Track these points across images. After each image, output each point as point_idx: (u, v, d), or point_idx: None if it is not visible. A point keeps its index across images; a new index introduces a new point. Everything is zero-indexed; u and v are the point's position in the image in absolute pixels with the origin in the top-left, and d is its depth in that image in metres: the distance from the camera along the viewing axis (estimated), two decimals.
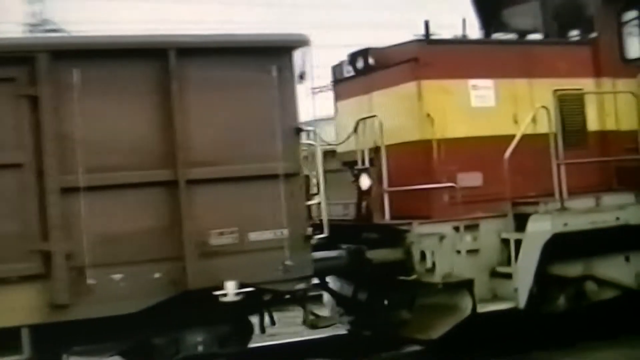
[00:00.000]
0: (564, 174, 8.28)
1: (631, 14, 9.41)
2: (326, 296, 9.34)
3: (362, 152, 8.49)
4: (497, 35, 10.46)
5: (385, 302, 8.52)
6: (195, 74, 7.06)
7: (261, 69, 7.30)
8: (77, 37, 7.71)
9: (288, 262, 7.28)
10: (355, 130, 8.67)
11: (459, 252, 8.02)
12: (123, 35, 7.38)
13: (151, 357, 7.27)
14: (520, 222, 8.18)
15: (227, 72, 7.21)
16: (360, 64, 8.84)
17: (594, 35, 9.22)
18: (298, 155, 7.46)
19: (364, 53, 8.83)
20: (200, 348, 7.29)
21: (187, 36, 7.41)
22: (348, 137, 8.79)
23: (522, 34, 10.42)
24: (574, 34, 9.99)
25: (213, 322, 7.35)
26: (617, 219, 8.43)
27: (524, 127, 8.27)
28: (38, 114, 6.64)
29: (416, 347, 9.16)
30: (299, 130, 7.44)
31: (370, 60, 8.75)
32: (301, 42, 7.49)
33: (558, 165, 8.27)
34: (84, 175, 6.70)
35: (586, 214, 8.34)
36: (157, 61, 6.97)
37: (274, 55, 7.36)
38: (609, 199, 8.52)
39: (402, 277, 7.96)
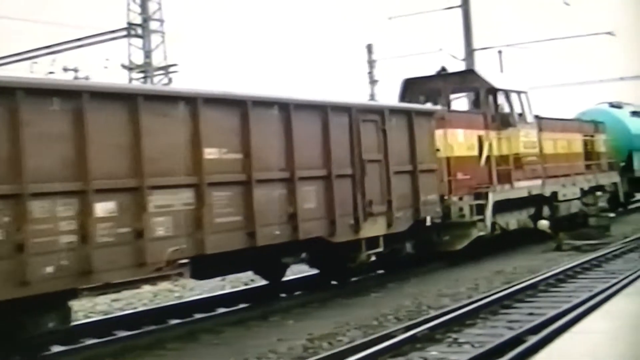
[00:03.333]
0: (497, 174, 18.34)
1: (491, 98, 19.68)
2: None
3: None
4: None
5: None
6: (417, 121, 15.50)
7: (428, 121, 16.01)
8: (384, 103, 15.29)
9: (437, 209, 16.10)
10: None
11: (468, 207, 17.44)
12: (398, 104, 15.49)
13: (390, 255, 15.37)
14: (482, 195, 17.84)
15: (420, 122, 15.75)
16: None
17: (482, 109, 19.36)
18: (437, 160, 16.29)
19: None
20: (410, 249, 15.65)
21: (415, 105, 15.81)
22: None
23: (425, 103, 20.00)
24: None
25: (414, 238, 15.76)
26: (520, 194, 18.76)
27: (485, 152, 18.10)
28: (386, 137, 14.51)
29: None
30: (437, 149, 16.30)
31: None
32: (437, 109, 16.45)
33: (495, 170, 18.32)
34: (393, 167, 14.73)
35: (500, 193, 18.46)
36: (406, 116, 15.28)
37: (432, 115, 16.14)
38: (506, 186, 18.80)
39: (448, 220, 17.09)
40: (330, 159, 13.06)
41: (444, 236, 17.00)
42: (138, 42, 30.98)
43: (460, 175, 17.64)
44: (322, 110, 13.09)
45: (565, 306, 11.00)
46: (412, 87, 19.87)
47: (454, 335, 9.99)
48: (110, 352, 10.13)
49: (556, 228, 19.75)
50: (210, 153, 10.88)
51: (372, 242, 14.21)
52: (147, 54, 30.75)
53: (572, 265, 15.36)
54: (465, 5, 30.29)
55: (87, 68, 34.07)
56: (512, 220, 19.25)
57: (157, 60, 31.43)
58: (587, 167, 24.25)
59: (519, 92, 20.27)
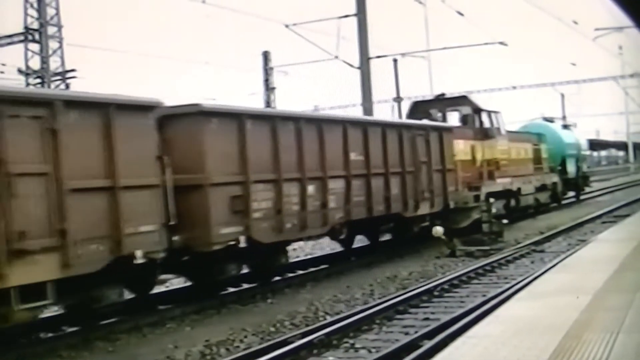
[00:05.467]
0: (487, 173, 24.98)
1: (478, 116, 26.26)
2: None
3: None
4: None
5: None
6: (444, 135, 21.92)
7: (449, 134, 22.46)
8: (427, 123, 21.55)
9: (455, 197, 22.57)
10: None
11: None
12: (436, 123, 21.86)
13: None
14: (476, 188, 24.40)
15: (446, 135, 22.17)
16: None
17: (470, 124, 25.95)
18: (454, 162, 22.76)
19: None
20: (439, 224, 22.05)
21: (444, 124, 22.23)
22: None
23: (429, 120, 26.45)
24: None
25: (441, 217, 22.16)
26: (499, 188, 25.41)
27: (479, 157, 24.72)
28: (429, 146, 20.84)
29: None
30: (454, 155, 22.80)
31: None
32: (453, 126, 22.96)
33: (486, 170, 24.94)
34: (433, 166, 21.10)
35: (488, 186, 25.09)
36: (438, 131, 21.70)
37: (451, 130, 22.62)
38: (491, 182, 25.45)
39: (457, 206, 23.55)
40: (404, 160, 19.35)
41: (456, 217, 23.44)
42: (36, 47, 30.49)
43: (462, 174, 24.16)
44: (399, 127, 19.39)
45: (459, 311, 11.31)
46: (418, 107, 26.35)
47: (351, 341, 10.18)
48: None
49: (450, 234, 20.23)
50: (352, 156, 17.02)
51: (423, 218, 20.56)
52: (45, 59, 30.53)
53: (466, 270, 15.66)
54: (360, 14, 30.15)
55: None
56: (494, 208, 25.91)
57: (54, 65, 31.15)
58: (536, 169, 31.27)
59: (495, 112, 27.02)
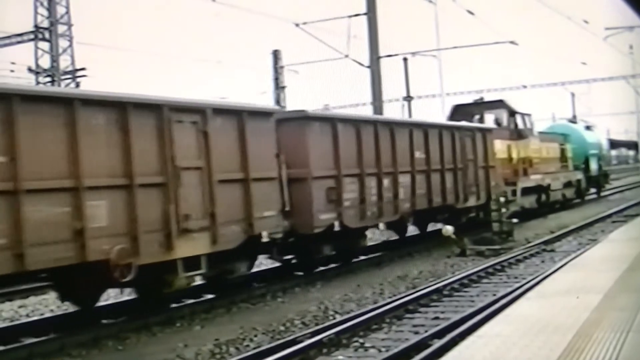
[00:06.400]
0: (521, 170, 27.47)
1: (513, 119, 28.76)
2: None
3: None
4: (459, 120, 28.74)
5: None
6: (487, 136, 24.40)
7: (491, 135, 24.94)
8: (474, 125, 23.99)
9: (497, 191, 25.09)
10: None
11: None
12: (480, 125, 24.36)
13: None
14: (513, 183, 26.88)
15: (489, 136, 24.68)
16: None
17: (506, 126, 28.43)
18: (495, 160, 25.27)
19: None
20: (482, 216, 24.53)
21: (488, 125, 24.74)
22: None
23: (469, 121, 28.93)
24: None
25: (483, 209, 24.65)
26: (532, 184, 27.89)
27: (515, 155, 27.22)
28: (475, 145, 23.34)
29: None
30: (494, 154, 25.30)
31: None
32: (494, 128, 25.47)
33: (521, 167, 27.44)
34: (479, 164, 23.59)
35: (523, 182, 27.57)
36: (483, 133, 24.18)
37: (492, 131, 25.10)
38: (525, 178, 27.93)
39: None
40: (456, 158, 21.86)
41: None
42: (46, 45, 30.51)
43: (500, 170, 26.65)
44: (452, 129, 21.93)
45: (469, 310, 11.27)
46: (458, 110, 28.87)
47: (360, 340, 10.14)
48: (12, 359, 10.35)
49: (460, 233, 20.14)
50: (416, 154, 19.53)
51: (470, 209, 23.06)
52: (55, 58, 30.53)
53: (476, 270, 15.56)
54: (370, 13, 30.25)
55: None
56: (527, 202, 28.42)
57: (64, 64, 31.20)
58: (562, 167, 33.75)
59: (528, 115, 29.52)
